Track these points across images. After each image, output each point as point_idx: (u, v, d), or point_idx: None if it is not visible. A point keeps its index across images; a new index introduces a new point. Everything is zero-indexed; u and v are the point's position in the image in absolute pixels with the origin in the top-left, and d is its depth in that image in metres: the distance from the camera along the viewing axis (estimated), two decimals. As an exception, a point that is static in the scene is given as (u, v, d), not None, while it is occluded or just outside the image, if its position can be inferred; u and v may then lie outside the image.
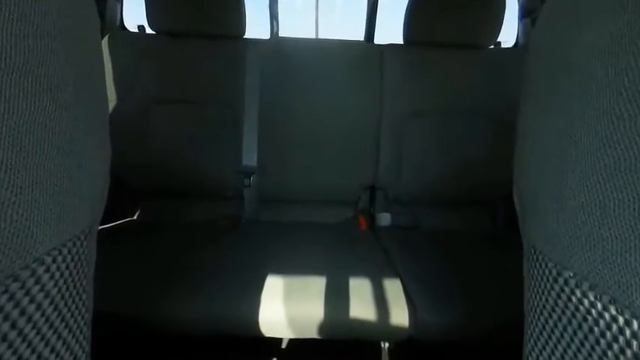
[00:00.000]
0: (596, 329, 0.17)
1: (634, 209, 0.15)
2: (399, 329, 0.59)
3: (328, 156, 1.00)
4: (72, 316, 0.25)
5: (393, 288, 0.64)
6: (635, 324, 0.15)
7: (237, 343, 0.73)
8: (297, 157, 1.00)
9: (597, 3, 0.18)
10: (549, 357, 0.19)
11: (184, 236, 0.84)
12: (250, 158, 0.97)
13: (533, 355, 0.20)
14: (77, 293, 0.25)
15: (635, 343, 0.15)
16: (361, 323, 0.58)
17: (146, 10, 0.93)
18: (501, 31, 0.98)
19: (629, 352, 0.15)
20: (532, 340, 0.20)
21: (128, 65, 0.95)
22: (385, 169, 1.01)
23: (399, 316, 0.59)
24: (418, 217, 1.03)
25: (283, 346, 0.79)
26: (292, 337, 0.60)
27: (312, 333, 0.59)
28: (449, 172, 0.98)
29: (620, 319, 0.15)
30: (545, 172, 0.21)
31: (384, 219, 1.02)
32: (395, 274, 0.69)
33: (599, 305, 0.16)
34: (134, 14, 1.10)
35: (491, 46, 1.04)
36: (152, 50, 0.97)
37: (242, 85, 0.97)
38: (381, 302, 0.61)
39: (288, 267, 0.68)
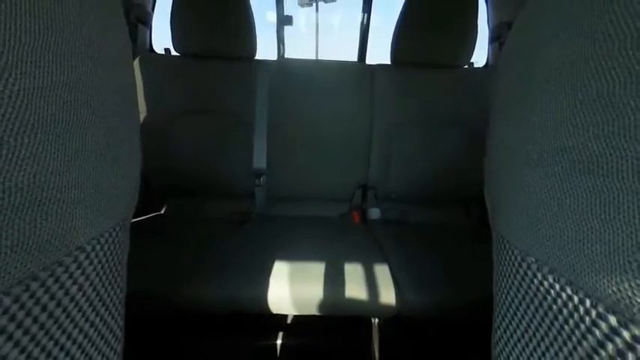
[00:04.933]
0: (554, 307, 0.17)
1: (586, 205, 0.15)
2: (387, 307, 0.59)
3: (327, 158, 1.00)
4: (108, 296, 0.25)
5: (382, 272, 0.64)
6: (587, 302, 0.15)
7: (248, 319, 0.73)
8: (301, 160, 1.00)
9: (554, 30, 0.18)
10: (515, 330, 0.19)
11: (204, 229, 0.84)
12: (260, 161, 0.98)
13: (502, 327, 0.20)
14: (113, 277, 0.25)
15: (587, 318, 0.15)
16: (354, 302, 0.58)
17: (172, 35, 0.93)
18: (474, 53, 0.98)
19: (582, 326, 0.15)
20: (500, 316, 0.20)
21: (156, 82, 0.95)
22: (376, 170, 1.02)
23: (387, 295, 0.59)
24: (404, 212, 1.03)
25: (288, 321, 0.79)
26: (296, 313, 0.60)
27: (313, 310, 0.59)
28: (430, 174, 0.98)
29: (575, 298, 0.16)
30: (511, 174, 0.21)
31: (375, 213, 1.03)
32: (383, 260, 0.69)
33: (557, 286, 0.16)
34: (162, 38, 1.11)
35: (466, 66, 1.04)
36: (176, 69, 0.97)
37: (253, 98, 0.98)
38: (371, 284, 0.61)
39: (293, 254, 0.68)
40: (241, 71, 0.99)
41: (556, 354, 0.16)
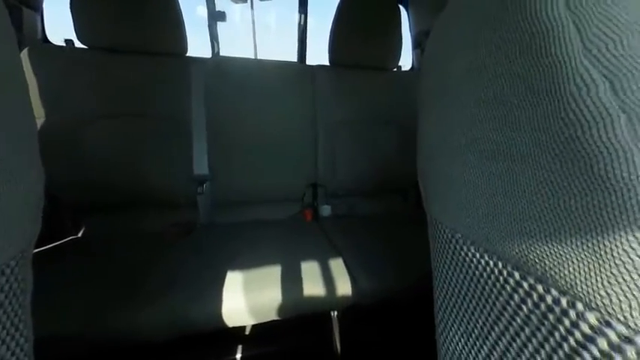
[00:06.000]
0: (477, 272, 0.20)
1: (493, 186, 0.19)
2: (344, 298, 0.61)
3: (274, 159, 0.98)
4: (7, 349, 0.20)
5: (337, 265, 0.67)
6: (499, 264, 0.18)
7: (201, 340, 0.67)
8: (247, 163, 0.96)
9: (461, 41, 0.21)
10: (450, 296, 0.22)
11: (137, 247, 0.74)
12: (202, 167, 0.90)
13: (440, 297, 0.23)
14: (12, 324, 0.20)
15: (501, 278, 0.18)
16: (314, 299, 0.59)
17: (74, 24, 0.78)
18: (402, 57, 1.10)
19: (497, 285, 0.19)
20: (438, 288, 0.24)
21: (54, 80, 0.78)
22: (323, 169, 1.04)
23: (344, 287, 0.62)
24: (352, 206, 1.09)
25: (246, 332, 0.75)
26: (255, 322, 0.58)
27: (273, 315, 0.57)
28: (372, 168, 1.06)
29: (491, 263, 0.19)
30: (437, 164, 0.25)
31: (326, 210, 1.06)
32: (337, 253, 0.71)
33: (477, 255, 0.20)
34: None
35: (395, 69, 1.16)
36: (82, 64, 0.81)
37: (188, 99, 0.89)
38: (328, 279, 0.62)
39: (246, 262, 0.65)
40: (172, 69, 0.89)
41: (481, 311, 0.19)
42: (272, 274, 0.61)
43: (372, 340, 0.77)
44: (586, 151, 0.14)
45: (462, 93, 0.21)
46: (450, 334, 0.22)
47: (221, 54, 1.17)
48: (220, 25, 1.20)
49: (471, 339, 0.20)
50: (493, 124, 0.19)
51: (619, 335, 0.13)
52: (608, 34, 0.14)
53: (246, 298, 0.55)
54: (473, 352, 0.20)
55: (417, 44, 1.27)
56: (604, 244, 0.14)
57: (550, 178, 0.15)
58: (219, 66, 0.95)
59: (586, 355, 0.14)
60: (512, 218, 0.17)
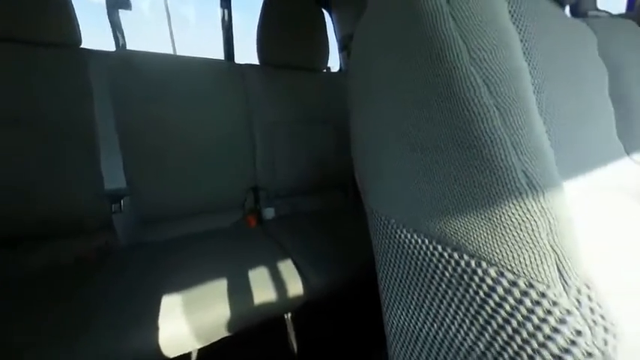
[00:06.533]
0: (409, 251, 0.23)
1: (418, 173, 0.22)
2: (297, 298, 0.61)
3: (208, 165, 0.90)
4: None
5: (287, 267, 0.66)
6: (426, 241, 0.21)
7: None
8: (176, 171, 0.85)
9: (382, 46, 0.24)
10: (391, 277, 0.25)
11: (51, 283, 0.58)
12: (116, 181, 0.76)
13: (384, 278, 0.26)
14: None
15: (428, 252, 0.21)
16: (265, 305, 0.57)
17: None
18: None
19: (427, 259, 0.22)
20: (381, 271, 0.26)
21: None
22: (263, 171, 1.02)
23: (295, 287, 0.62)
24: (295, 206, 1.10)
25: (193, 358, 0.68)
26: (201, 346, 0.52)
27: (222, 333, 0.53)
28: (312, 167, 1.09)
29: (419, 241, 0.22)
30: (370, 159, 0.27)
31: (269, 213, 1.03)
32: (286, 255, 0.71)
33: (409, 236, 0.22)
34: None
35: (325, 71, 1.21)
36: None
37: (89, 101, 0.74)
38: (279, 282, 0.61)
39: (185, 281, 0.58)
40: (62, 63, 0.72)
41: (416, 284, 0.22)
42: (216, 289, 0.57)
43: (326, 335, 0.80)
44: (477, 140, 0.18)
45: (387, 93, 0.24)
46: (394, 311, 0.24)
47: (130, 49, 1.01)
48: (127, 16, 1.03)
49: (410, 310, 0.23)
50: (415, 121, 0.21)
51: (509, 282, 0.17)
52: (486, 47, 0.18)
53: (188, 321, 0.50)
54: (413, 321, 0.22)
55: (343, 47, 1.35)
56: (495, 213, 0.17)
57: (457, 164, 0.19)
58: (128, 61, 0.81)
59: (491, 302, 0.17)
60: (433, 200, 0.21)
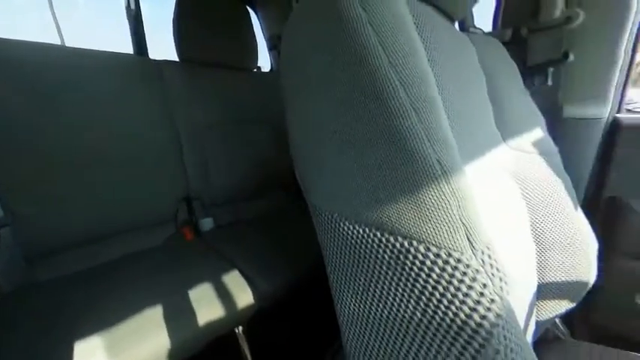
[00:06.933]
0: (353, 241, 0.24)
1: (352, 169, 0.23)
2: (248, 309, 0.58)
3: (124, 177, 0.77)
4: None
5: (234, 278, 0.62)
6: (367, 229, 0.23)
7: None
8: (82, 187, 0.70)
9: (311, 46, 0.24)
10: (339, 269, 0.26)
11: None
12: None
13: (332, 272, 0.27)
14: None
15: (369, 239, 0.23)
16: (214, 323, 0.53)
17: None
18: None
19: (368, 246, 0.23)
20: (329, 265, 0.27)
21: None
22: (195, 178, 0.93)
23: (245, 298, 0.59)
24: (237, 212, 1.04)
25: None
26: None
27: None
28: (251, 170, 1.04)
29: (361, 230, 0.24)
30: (309, 156, 0.28)
31: (207, 224, 0.95)
32: (231, 265, 0.67)
33: (351, 227, 0.24)
34: None
35: (255, 70, 1.17)
36: None
37: None
38: (226, 295, 0.57)
39: (105, 319, 0.49)
40: None
41: (361, 270, 0.24)
42: (150, 318, 0.50)
43: (281, 341, 0.78)
44: (399, 136, 0.20)
45: (319, 93, 0.24)
46: (344, 300, 0.26)
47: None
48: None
49: (358, 296, 0.24)
50: (346, 119, 0.23)
51: (434, 254, 0.20)
52: (400, 52, 0.20)
53: (124, 358, 0.42)
54: (362, 306, 0.24)
55: (273, 46, 1.34)
56: (419, 197, 0.20)
57: (385, 158, 0.21)
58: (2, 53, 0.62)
59: (423, 274, 0.20)
60: (369, 192, 0.22)
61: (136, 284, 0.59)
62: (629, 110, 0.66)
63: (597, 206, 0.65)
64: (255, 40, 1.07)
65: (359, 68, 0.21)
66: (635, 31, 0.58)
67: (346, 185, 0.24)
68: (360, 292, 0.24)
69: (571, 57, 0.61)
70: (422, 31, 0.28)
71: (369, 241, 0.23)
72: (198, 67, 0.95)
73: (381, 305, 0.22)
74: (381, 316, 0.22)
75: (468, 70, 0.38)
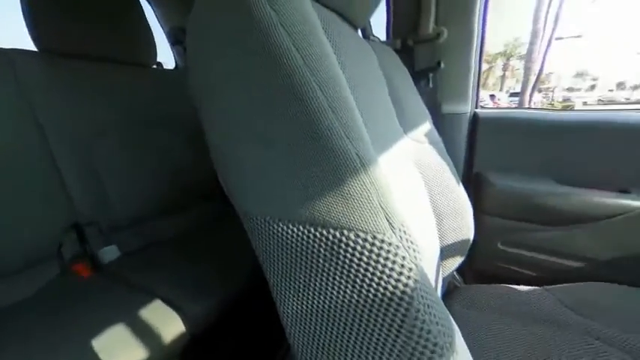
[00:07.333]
0: (289, 241, 0.24)
1: (277, 168, 0.23)
2: (180, 339, 0.51)
3: None
4: None
5: (156, 309, 0.53)
6: (300, 227, 0.24)
7: None
8: None
9: (217, 42, 0.23)
10: (277, 270, 0.26)
11: None
12: None
13: (271, 275, 0.26)
14: None
15: (304, 236, 0.24)
16: None
17: None
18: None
19: (303, 242, 0.24)
20: (267, 269, 0.26)
21: None
22: (84, 201, 0.74)
23: (175, 328, 0.51)
24: (151, 232, 0.88)
25: None
26: None
27: None
28: (163, 180, 0.90)
29: (295, 229, 0.24)
30: (230, 161, 0.26)
31: (111, 253, 0.77)
32: (150, 295, 0.57)
33: (285, 227, 0.24)
34: None
35: (155, 66, 1.01)
36: None
37: None
38: (147, 330, 0.48)
39: None
40: None
41: (299, 268, 0.24)
42: None
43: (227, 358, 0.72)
44: (321, 134, 0.21)
45: (234, 91, 0.23)
46: (287, 301, 0.25)
47: None
48: None
49: (300, 294, 0.25)
50: (266, 118, 0.22)
51: (362, 239, 0.22)
52: (314, 55, 0.21)
53: None
54: (304, 303, 0.24)
55: (175, 40, 1.19)
56: (344, 190, 0.22)
57: (310, 155, 0.22)
58: None
59: (355, 260, 0.22)
60: (298, 190, 0.23)
61: (9, 348, 0.43)
62: (482, 107, 0.88)
63: (469, 180, 0.85)
64: (151, 33, 0.92)
65: (276, 69, 0.21)
66: (480, 46, 0.78)
67: (275, 186, 0.24)
68: (301, 290, 0.24)
69: (442, 65, 0.78)
70: (330, 35, 0.30)
71: (304, 237, 0.23)
72: (70, 59, 0.76)
73: (322, 297, 0.23)
74: (324, 307, 0.23)
75: (372, 74, 0.43)
